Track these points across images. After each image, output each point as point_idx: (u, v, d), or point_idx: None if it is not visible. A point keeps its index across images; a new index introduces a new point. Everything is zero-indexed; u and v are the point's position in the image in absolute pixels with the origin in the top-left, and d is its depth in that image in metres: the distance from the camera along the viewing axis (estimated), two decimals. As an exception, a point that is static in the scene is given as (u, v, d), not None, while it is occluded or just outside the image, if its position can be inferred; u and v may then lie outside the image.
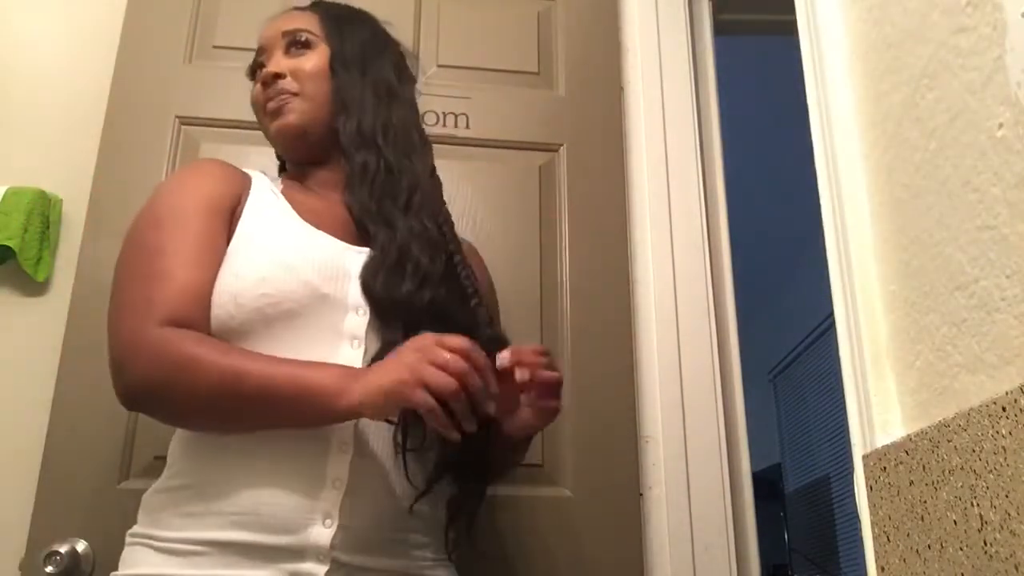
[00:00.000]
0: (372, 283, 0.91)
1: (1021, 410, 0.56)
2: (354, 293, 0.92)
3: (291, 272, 0.89)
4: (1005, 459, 0.58)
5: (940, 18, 0.73)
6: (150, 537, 0.85)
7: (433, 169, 1.05)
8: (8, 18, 1.58)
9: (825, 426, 4.30)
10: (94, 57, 1.53)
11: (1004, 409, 0.58)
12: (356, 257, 0.95)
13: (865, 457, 0.81)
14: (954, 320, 0.70)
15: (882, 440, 0.79)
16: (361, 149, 1.00)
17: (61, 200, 1.46)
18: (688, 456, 1.46)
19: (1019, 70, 0.61)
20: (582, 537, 1.34)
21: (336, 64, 1.04)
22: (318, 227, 0.96)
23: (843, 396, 0.86)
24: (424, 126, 1.10)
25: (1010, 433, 0.58)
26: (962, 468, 0.64)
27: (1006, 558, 0.58)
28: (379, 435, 0.89)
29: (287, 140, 1.04)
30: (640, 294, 1.54)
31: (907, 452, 0.73)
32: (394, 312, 0.91)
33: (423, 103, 1.17)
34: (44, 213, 1.41)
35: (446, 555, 0.94)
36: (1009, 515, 0.58)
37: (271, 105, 1.02)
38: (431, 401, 0.77)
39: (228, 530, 0.82)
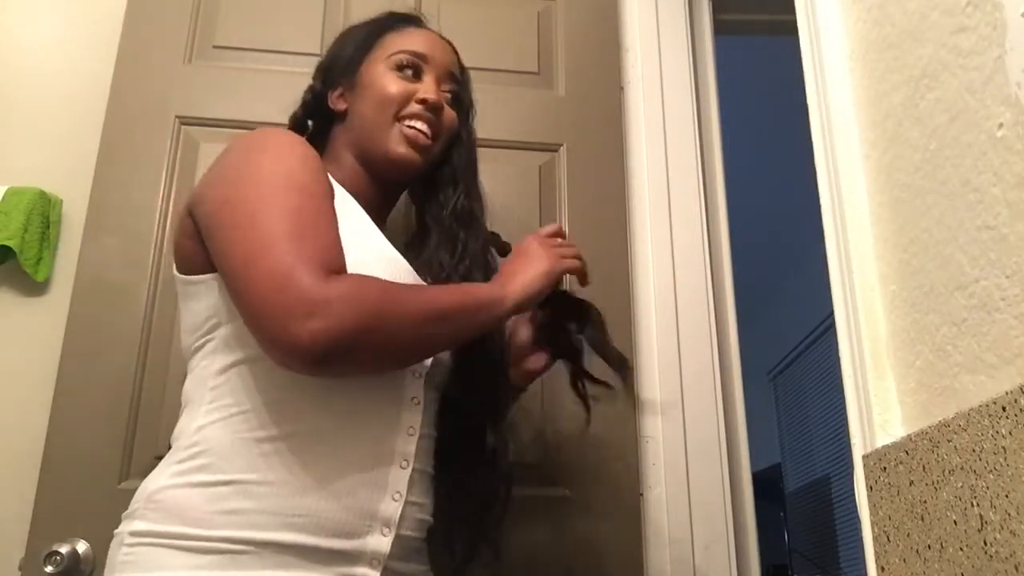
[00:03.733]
0: None
1: (1021, 410, 0.56)
2: None
3: None
4: (1005, 459, 0.58)
5: (940, 18, 0.73)
6: (176, 536, 0.79)
7: None
8: (8, 18, 1.58)
9: (825, 426, 4.30)
10: (94, 57, 1.53)
11: (1004, 409, 0.58)
12: None
13: (865, 457, 0.81)
14: (954, 320, 0.70)
15: (882, 440, 0.79)
16: (462, 227, 1.05)
17: (61, 200, 1.46)
18: (688, 456, 1.46)
19: (1019, 70, 0.61)
20: (582, 537, 1.34)
21: (462, 132, 1.09)
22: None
23: (843, 396, 0.86)
24: None
25: (1010, 433, 0.58)
26: (962, 468, 0.64)
27: (1006, 558, 0.58)
28: (428, 451, 0.94)
29: (401, 172, 1.04)
30: (640, 294, 1.54)
31: (907, 452, 0.73)
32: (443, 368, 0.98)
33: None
34: (44, 213, 1.41)
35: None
36: (1009, 515, 0.58)
37: (421, 135, 1.02)
38: (580, 265, 1.03)
39: (282, 531, 0.80)
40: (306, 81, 1.13)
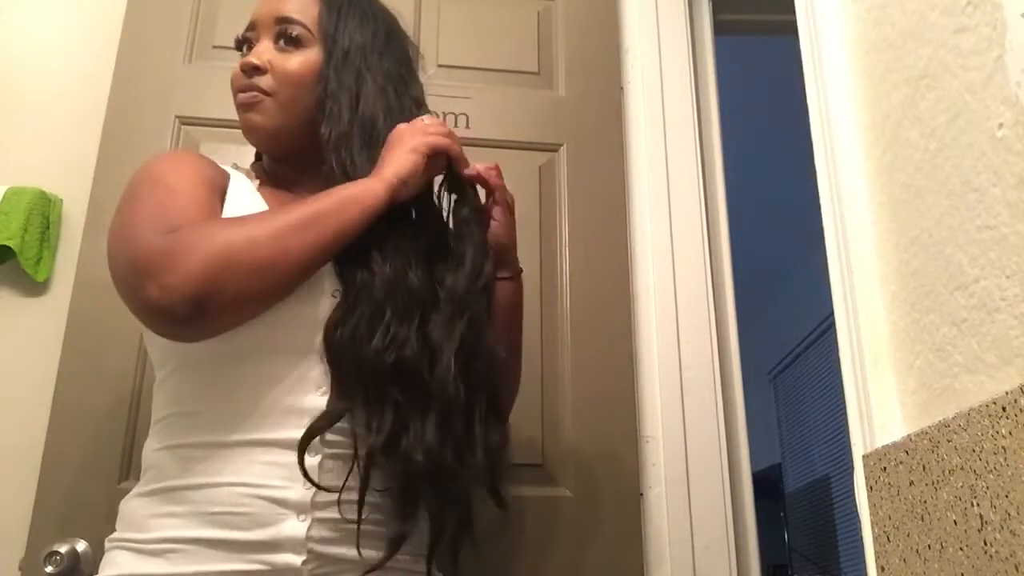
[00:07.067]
0: (334, 334, 0.88)
1: (1021, 410, 0.56)
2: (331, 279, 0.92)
3: None
4: (1005, 459, 0.58)
5: (940, 18, 0.73)
6: (128, 540, 0.86)
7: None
8: (8, 18, 1.58)
9: (825, 426, 4.30)
10: (94, 57, 1.53)
11: (1004, 409, 0.58)
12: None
13: (865, 457, 0.81)
14: (954, 320, 0.70)
15: (882, 440, 0.79)
16: (340, 148, 0.95)
17: (61, 200, 1.46)
18: (688, 456, 1.46)
19: (1019, 70, 0.61)
20: (582, 537, 1.34)
21: (328, 70, 0.98)
22: None
23: (843, 396, 0.86)
24: None
25: (1010, 433, 0.58)
26: (962, 468, 0.64)
27: (1006, 558, 0.58)
28: (349, 439, 0.88)
29: (255, 138, 1.01)
30: (640, 294, 1.54)
31: (907, 452, 0.73)
32: (355, 370, 0.88)
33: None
34: (44, 213, 1.41)
35: (428, 553, 0.92)
36: (1009, 515, 0.58)
37: (242, 97, 0.98)
38: (450, 142, 0.96)
39: (206, 528, 0.84)
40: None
